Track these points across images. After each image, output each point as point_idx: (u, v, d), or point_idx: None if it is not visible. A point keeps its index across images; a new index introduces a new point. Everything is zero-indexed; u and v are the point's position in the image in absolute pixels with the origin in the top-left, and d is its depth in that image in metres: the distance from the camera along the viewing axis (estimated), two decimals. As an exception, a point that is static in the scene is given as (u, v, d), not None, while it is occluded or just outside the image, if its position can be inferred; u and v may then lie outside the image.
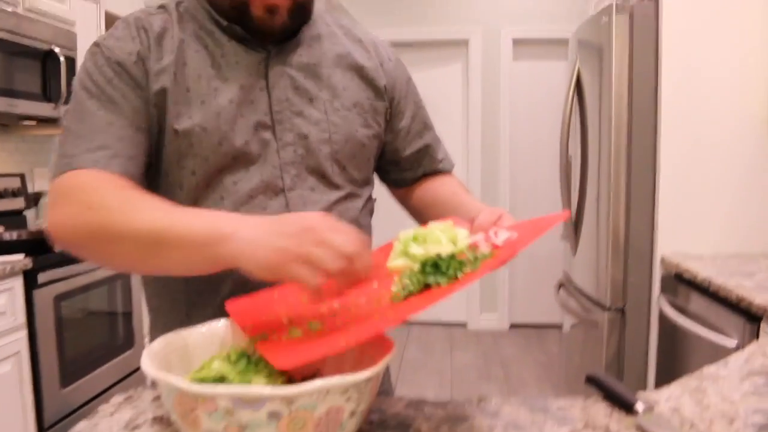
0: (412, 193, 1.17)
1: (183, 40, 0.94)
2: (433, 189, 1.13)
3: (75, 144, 0.86)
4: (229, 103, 0.92)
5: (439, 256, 0.74)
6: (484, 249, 0.77)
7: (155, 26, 0.94)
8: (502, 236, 0.80)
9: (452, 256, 0.74)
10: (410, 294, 0.72)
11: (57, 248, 0.86)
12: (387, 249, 0.88)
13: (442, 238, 0.81)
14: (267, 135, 0.95)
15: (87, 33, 3.00)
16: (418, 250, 0.80)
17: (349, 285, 0.69)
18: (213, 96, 0.92)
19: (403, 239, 0.84)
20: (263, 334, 0.72)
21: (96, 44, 0.93)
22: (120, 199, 0.80)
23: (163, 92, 0.91)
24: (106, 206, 0.80)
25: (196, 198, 0.94)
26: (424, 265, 0.74)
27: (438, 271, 0.73)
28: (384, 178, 1.19)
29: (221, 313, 0.85)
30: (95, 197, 0.81)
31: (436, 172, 1.17)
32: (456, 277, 0.71)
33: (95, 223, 0.79)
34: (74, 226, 0.81)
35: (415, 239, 0.82)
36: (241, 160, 0.93)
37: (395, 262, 0.81)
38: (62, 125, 0.90)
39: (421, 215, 1.12)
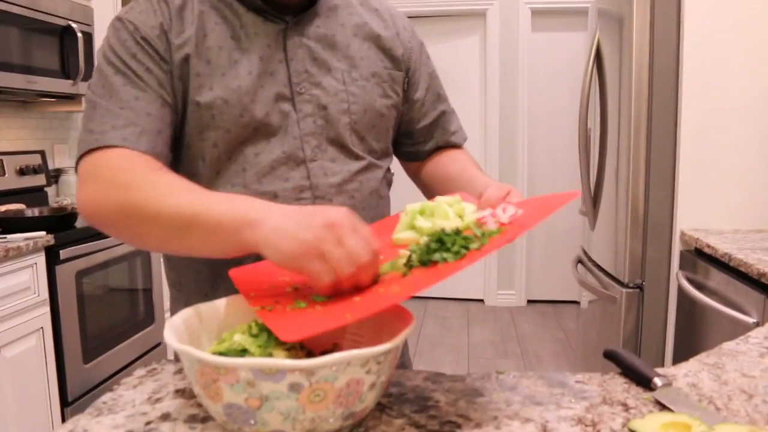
0: (424, 167, 1.17)
1: (203, 12, 0.94)
2: (443, 164, 1.14)
3: (102, 120, 0.87)
4: (248, 75, 0.93)
5: (443, 231, 0.74)
6: (491, 226, 0.77)
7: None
8: (509, 213, 0.79)
9: (458, 232, 0.74)
10: (416, 267, 0.73)
11: (87, 223, 0.87)
12: (392, 220, 0.89)
13: (450, 212, 0.81)
14: (287, 106, 0.96)
15: (104, 8, 3.00)
16: (425, 224, 0.80)
17: (351, 287, 0.70)
18: (233, 68, 0.93)
19: (410, 211, 0.84)
20: (268, 305, 0.72)
21: (118, 18, 0.94)
22: (153, 181, 0.82)
23: (185, 64, 0.92)
24: (139, 187, 0.81)
25: (218, 170, 0.95)
26: (428, 242, 0.74)
27: (443, 248, 0.73)
28: (397, 152, 1.19)
29: None
30: (128, 178, 0.83)
31: (448, 145, 1.17)
32: (461, 254, 0.71)
33: (128, 203, 0.81)
34: (107, 205, 0.82)
35: (422, 212, 0.82)
36: (262, 131, 0.94)
37: (401, 234, 0.82)
38: (87, 99, 0.91)
39: (431, 190, 1.12)
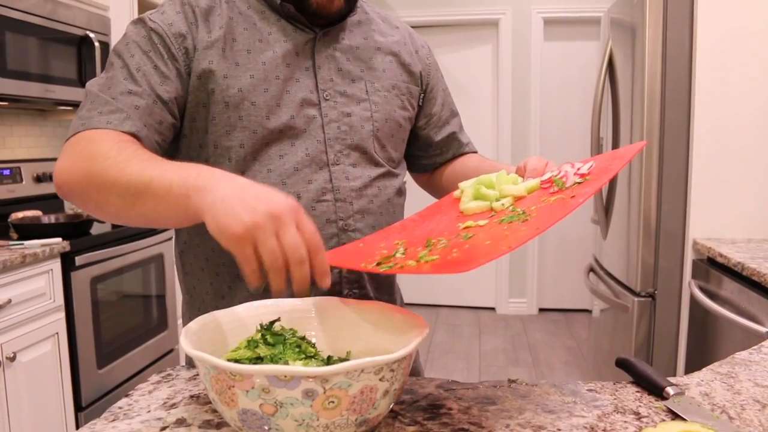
0: (442, 172, 1.23)
1: (231, 18, 0.98)
2: (461, 163, 1.21)
3: (92, 108, 0.91)
4: (276, 80, 0.96)
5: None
6: (572, 178, 0.82)
7: (201, 3, 0.97)
8: (586, 165, 0.85)
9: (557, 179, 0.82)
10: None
11: (60, 195, 0.90)
12: (449, 199, 0.95)
13: (506, 180, 0.88)
14: (312, 111, 0.99)
15: (121, 18, 3.04)
16: (491, 191, 0.86)
17: (274, 281, 0.70)
18: (261, 71, 0.96)
19: (468, 186, 0.90)
20: (384, 265, 0.74)
21: (140, 19, 0.97)
22: (116, 150, 0.84)
23: (210, 67, 0.94)
24: (103, 156, 0.83)
25: (243, 170, 0.97)
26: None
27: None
28: (413, 165, 1.25)
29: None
30: (95, 148, 0.85)
31: (462, 155, 1.24)
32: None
33: (91, 171, 0.83)
34: (72, 174, 0.85)
35: (479, 185, 0.88)
36: (287, 134, 0.97)
37: (470, 204, 0.86)
38: (86, 90, 0.94)
39: (450, 189, 1.15)
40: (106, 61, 2.86)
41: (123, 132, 0.88)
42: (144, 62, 0.92)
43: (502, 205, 0.83)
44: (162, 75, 0.93)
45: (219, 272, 1.02)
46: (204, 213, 0.72)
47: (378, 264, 0.76)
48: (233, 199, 0.70)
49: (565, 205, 0.74)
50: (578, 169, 0.85)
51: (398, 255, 0.78)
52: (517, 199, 0.85)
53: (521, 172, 0.95)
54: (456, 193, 0.96)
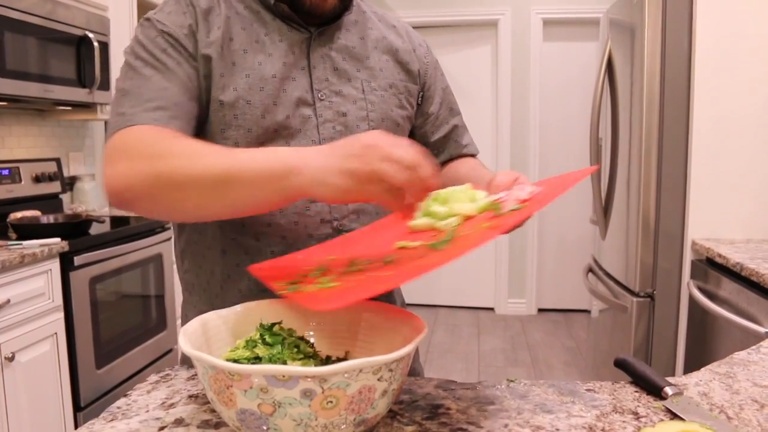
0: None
1: (229, 17, 0.98)
2: (454, 168, 1.18)
3: (132, 104, 0.88)
4: (272, 78, 0.96)
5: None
6: (510, 204, 0.79)
7: (202, 3, 0.97)
8: (527, 190, 0.82)
9: (493, 204, 0.78)
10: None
11: (113, 204, 0.85)
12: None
13: (463, 197, 0.84)
14: (308, 111, 0.99)
15: (120, 19, 3.04)
16: (441, 209, 0.82)
17: (418, 195, 0.72)
18: (257, 70, 0.96)
19: (429, 198, 0.86)
20: (294, 285, 0.73)
21: (147, 19, 0.96)
22: (182, 146, 0.82)
23: (209, 65, 0.94)
24: (170, 154, 0.80)
25: None
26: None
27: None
28: None
29: (256, 285, 0.88)
30: (158, 147, 0.82)
31: (460, 156, 1.22)
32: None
33: (160, 171, 0.79)
34: (136, 177, 0.81)
35: (435, 200, 0.84)
36: (282, 133, 0.97)
37: (418, 221, 0.84)
38: (117, 90, 0.92)
39: None
40: (104, 61, 2.83)
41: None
42: (167, 60, 0.92)
43: (448, 224, 0.81)
44: (186, 72, 0.93)
45: (214, 271, 1.02)
46: (308, 189, 0.73)
47: (289, 283, 0.74)
48: (329, 162, 0.72)
49: (483, 235, 0.71)
50: (518, 195, 0.82)
51: (311, 276, 0.77)
52: (467, 218, 0.82)
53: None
54: None
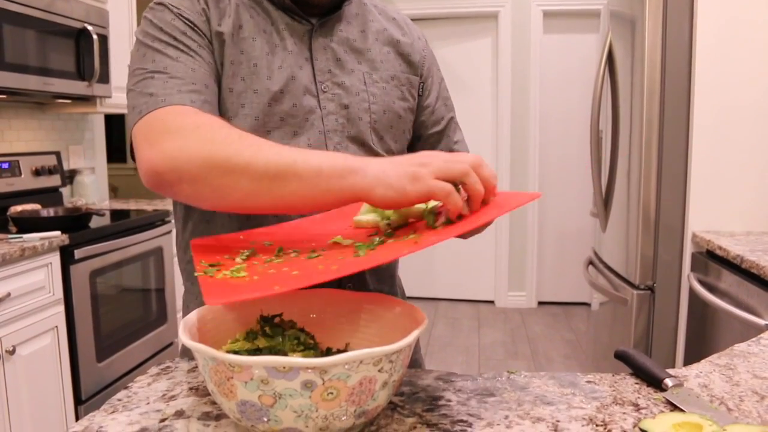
0: None
1: (238, 5, 0.98)
2: None
3: (164, 85, 0.87)
4: (278, 69, 0.97)
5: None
6: (444, 218, 0.77)
7: None
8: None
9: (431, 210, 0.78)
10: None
11: (150, 185, 0.82)
12: (353, 207, 0.89)
13: None
14: (312, 102, 0.99)
15: (119, 11, 3.03)
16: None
17: (479, 197, 0.74)
18: (265, 59, 0.97)
19: None
20: (213, 268, 0.72)
21: (159, 3, 0.95)
22: (236, 135, 0.81)
23: (221, 51, 0.95)
24: (226, 139, 0.80)
25: None
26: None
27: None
28: None
29: None
30: (209, 132, 0.81)
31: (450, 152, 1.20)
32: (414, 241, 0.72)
33: (215, 154, 0.78)
34: (188, 158, 0.79)
35: None
36: (289, 122, 0.98)
37: (363, 217, 0.84)
38: (138, 76, 0.90)
39: None
40: (104, 54, 2.82)
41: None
42: (190, 43, 0.91)
43: (387, 224, 0.81)
44: (209, 55, 0.93)
45: None
46: (368, 190, 0.74)
47: (210, 264, 0.73)
48: (388, 168, 0.74)
49: (400, 248, 0.70)
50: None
51: (237, 260, 0.76)
52: (414, 221, 0.81)
53: None
54: None
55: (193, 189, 0.81)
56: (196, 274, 0.72)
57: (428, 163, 0.73)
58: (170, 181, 0.80)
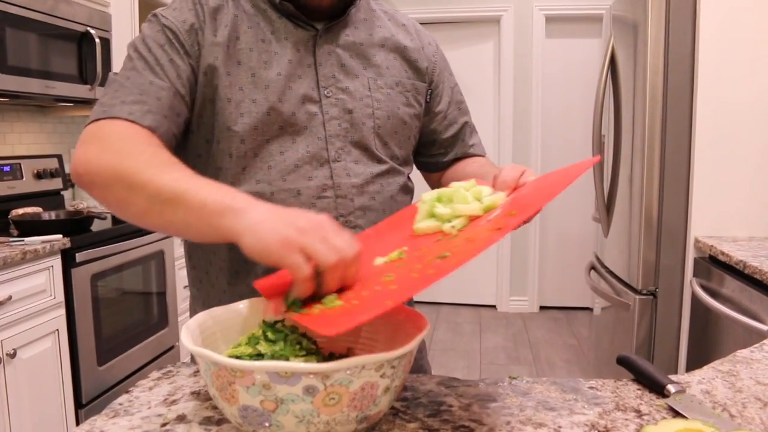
0: (444, 175, 1.21)
1: (237, 16, 0.99)
2: (462, 167, 1.18)
3: (114, 96, 0.91)
4: (277, 76, 0.97)
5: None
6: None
7: (210, 2, 0.99)
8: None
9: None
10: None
11: (74, 181, 0.89)
12: (408, 212, 0.88)
13: (468, 195, 0.81)
14: (314, 108, 0.99)
15: (121, 14, 3.04)
16: (445, 210, 0.80)
17: (335, 284, 0.69)
18: (263, 69, 0.97)
19: (427, 200, 0.83)
20: (297, 305, 0.71)
21: (154, 14, 0.99)
22: (149, 153, 0.84)
23: (215, 63, 0.96)
24: (135, 156, 0.83)
25: (244, 166, 0.98)
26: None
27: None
28: (417, 164, 1.23)
29: None
30: (126, 146, 0.85)
31: (467, 156, 1.21)
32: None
33: (120, 167, 0.82)
34: (100, 166, 0.84)
35: (439, 199, 0.82)
36: (287, 130, 0.98)
37: (422, 224, 0.81)
38: (108, 80, 0.96)
39: None
40: (106, 57, 2.84)
41: (143, 126, 0.88)
42: (161, 56, 0.94)
43: (452, 227, 0.78)
44: (178, 69, 0.94)
45: (221, 267, 1.03)
46: (241, 234, 0.72)
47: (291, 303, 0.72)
48: (270, 219, 0.71)
49: (490, 238, 0.68)
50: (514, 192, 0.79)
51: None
52: (473, 218, 0.79)
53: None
54: (419, 203, 0.88)
55: (103, 196, 0.87)
56: (284, 316, 0.71)
57: (308, 233, 0.69)
58: (86, 183, 0.87)
